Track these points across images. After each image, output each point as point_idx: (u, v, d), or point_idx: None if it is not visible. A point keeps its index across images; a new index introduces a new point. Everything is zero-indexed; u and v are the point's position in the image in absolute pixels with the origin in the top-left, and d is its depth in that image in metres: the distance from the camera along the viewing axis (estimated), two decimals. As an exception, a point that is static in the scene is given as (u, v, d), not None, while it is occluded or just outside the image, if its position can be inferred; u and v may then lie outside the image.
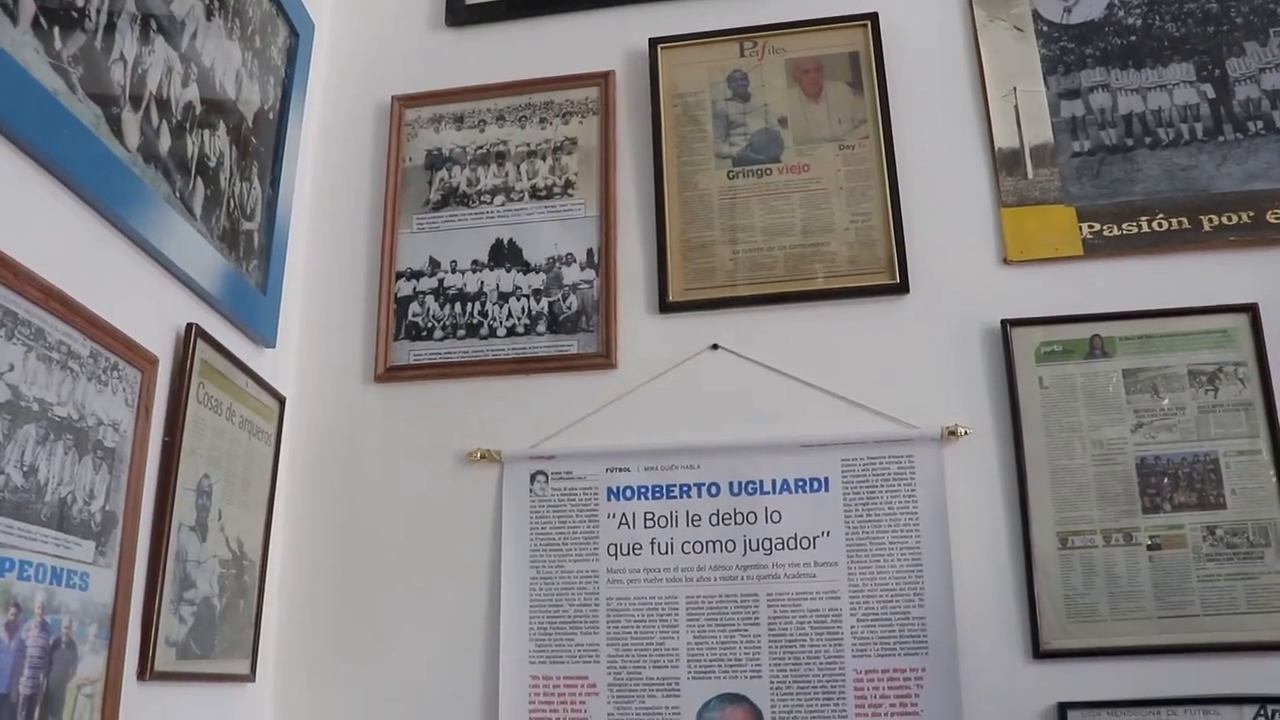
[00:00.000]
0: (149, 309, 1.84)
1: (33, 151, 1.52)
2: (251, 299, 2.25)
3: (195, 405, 1.95)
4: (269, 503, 2.28)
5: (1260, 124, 2.35)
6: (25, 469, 1.45)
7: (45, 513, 1.49)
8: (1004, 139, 2.43)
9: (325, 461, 2.45)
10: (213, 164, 2.08)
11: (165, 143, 1.88)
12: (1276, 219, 2.28)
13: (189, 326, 1.94)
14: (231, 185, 2.17)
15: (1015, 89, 2.46)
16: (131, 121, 1.77)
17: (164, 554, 1.82)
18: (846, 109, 2.49)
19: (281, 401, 2.34)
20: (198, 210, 2.02)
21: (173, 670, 1.86)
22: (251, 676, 2.19)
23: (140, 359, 1.76)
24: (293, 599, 2.38)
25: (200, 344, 1.97)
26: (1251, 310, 2.22)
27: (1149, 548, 2.14)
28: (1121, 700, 2.06)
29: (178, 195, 1.93)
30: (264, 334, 2.30)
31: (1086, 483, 2.18)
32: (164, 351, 1.87)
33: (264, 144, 2.34)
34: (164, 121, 1.88)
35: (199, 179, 2.02)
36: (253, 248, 2.26)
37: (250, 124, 2.26)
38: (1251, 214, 2.29)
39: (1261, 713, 2.02)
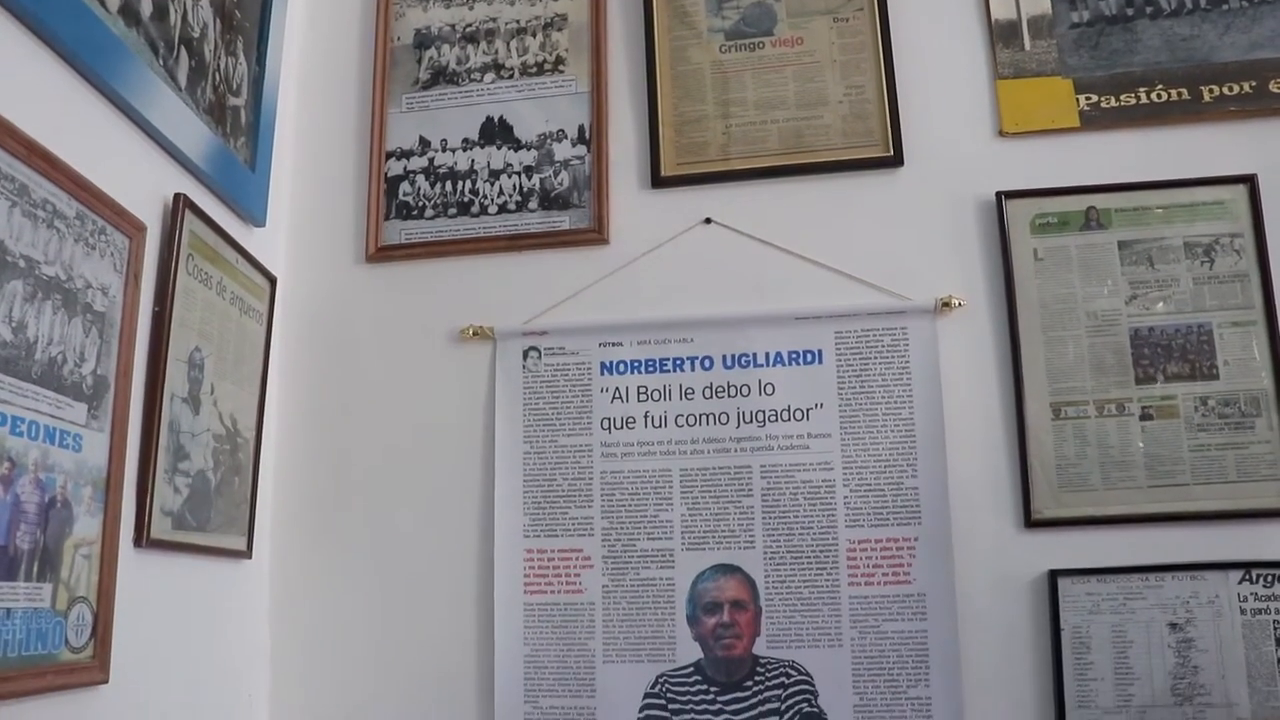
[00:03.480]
0: (135, 176, 1.82)
1: (8, 3, 1.48)
2: (240, 175, 2.22)
3: (185, 277, 1.93)
4: (262, 381, 2.27)
5: (1265, -9, 2.32)
6: (14, 325, 1.43)
7: (36, 371, 1.48)
8: (1001, 10, 2.39)
9: (318, 342, 2.45)
10: (196, 35, 2.04)
11: (147, 8, 1.84)
12: (1279, 89, 2.24)
13: (177, 197, 1.92)
14: (216, 59, 2.13)
15: (1013, -41, 2.42)
16: (111, -19, 1.73)
17: (157, 422, 1.82)
18: (842, -20, 2.45)
19: (273, 281, 2.32)
20: (182, 80, 1.98)
21: (169, 539, 1.87)
22: (248, 553, 2.21)
23: (128, 225, 1.74)
24: (288, 478, 2.39)
25: (189, 215, 1.95)
26: (1250, 181, 2.21)
27: (1141, 418, 2.15)
28: (1111, 567, 2.09)
29: (161, 63, 1.90)
30: (253, 212, 2.27)
31: (1080, 354, 2.18)
32: (152, 221, 1.85)
33: (249, 19, 2.29)
34: (145, -16, 1.84)
35: (183, 49, 1.98)
36: (240, 124, 2.23)
37: (234, -2, 2.22)
38: (1253, 83, 2.26)
39: (1246, 577, 2.05)
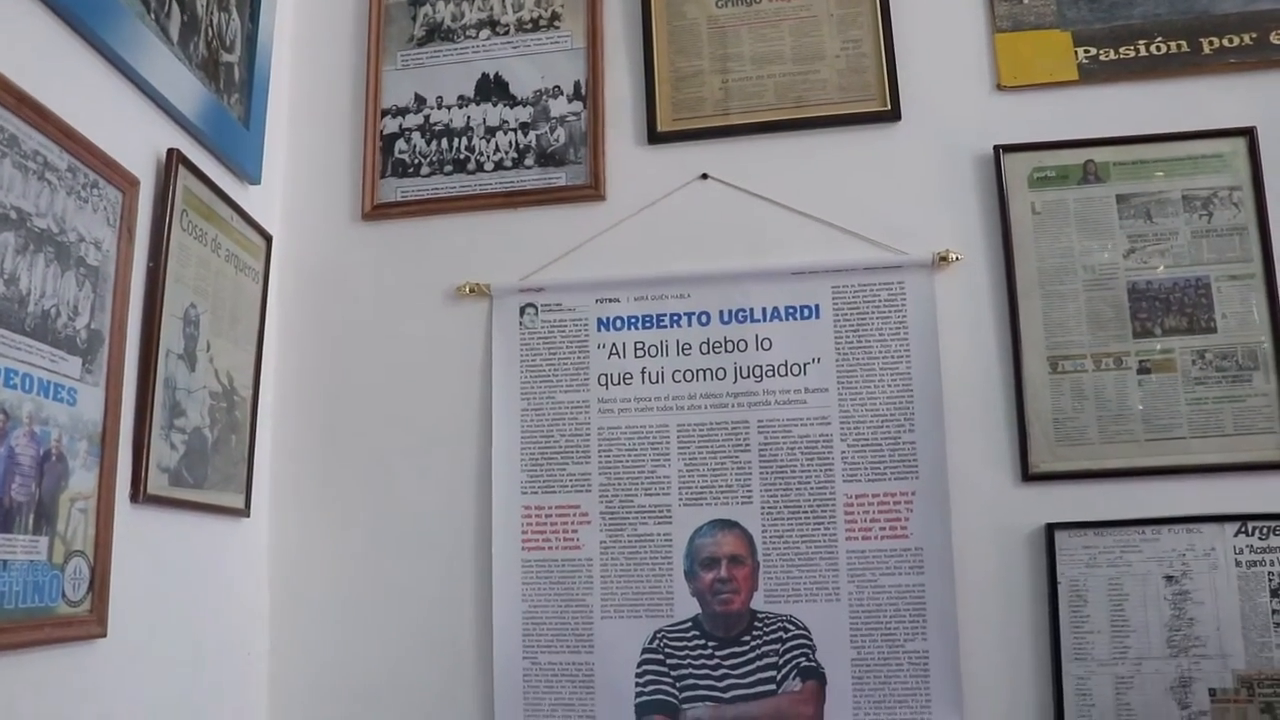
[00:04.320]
0: (127, 130, 1.81)
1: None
2: (234, 132, 2.21)
3: (179, 232, 1.92)
4: (258, 339, 2.27)
5: (1266, -59, 2.29)
6: (6, 277, 1.43)
7: (29, 323, 1.48)
8: (1000, -38, 2.37)
9: (315, 300, 2.44)
10: (188, -11, 2.02)
11: (136, -41, 1.82)
12: (1279, 40, 2.23)
13: (170, 152, 1.91)
14: (209, 14, 2.11)
15: (1013, -89, 2.40)
16: (99, -69, 1.72)
17: (152, 378, 1.82)
18: (839, -67, 2.42)
19: (268, 239, 2.31)
20: (174, 35, 1.97)
21: (165, 495, 1.87)
22: (246, 511, 2.21)
23: (121, 179, 1.73)
24: (286, 437, 2.39)
25: (183, 171, 1.94)
26: (1249, 134, 2.20)
27: (1139, 372, 2.15)
28: (1108, 520, 2.10)
29: (153, 17, 1.88)
30: (248, 169, 2.26)
31: (1078, 307, 2.18)
32: (145, 175, 1.84)
33: (242, -25, 2.28)
34: (134, -64, 1.83)
35: (174, 3, 1.96)
36: (233, 80, 2.21)
37: (226, -50, 2.20)
38: (1254, 35, 2.24)
39: (1242, 530, 2.06)
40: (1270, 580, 2.04)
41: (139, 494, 1.78)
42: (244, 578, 2.25)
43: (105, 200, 1.68)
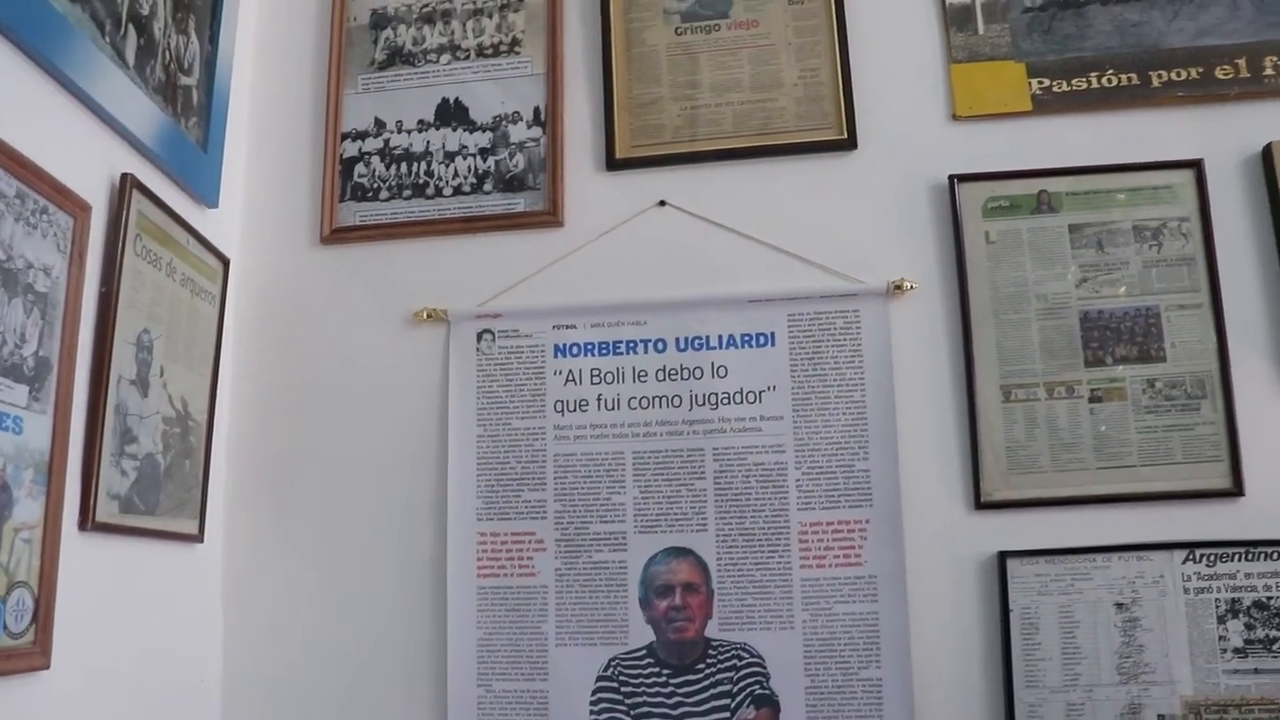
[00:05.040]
0: (80, 155, 1.80)
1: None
2: (192, 155, 2.20)
3: (132, 258, 1.91)
4: (214, 363, 2.25)
5: (1213, -21, 2.34)
6: (-50, 306, 1.42)
7: (-27, 352, 1.46)
8: (956, -6, 2.40)
9: (272, 324, 2.43)
10: (145, 12, 2.01)
11: (92, -17, 1.82)
12: (1225, 75, 2.27)
13: (124, 177, 1.90)
14: (167, 37, 2.11)
15: (968, -57, 2.43)
16: (52, -43, 1.71)
17: (102, 405, 1.80)
18: (797, -37, 2.45)
19: (226, 262, 2.30)
20: (130, 58, 1.96)
21: (115, 523, 1.86)
22: (200, 537, 2.19)
23: (72, 205, 1.72)
24: (241, 461, 2.38)
25: (136, 195, 1.93)
26: (1197, 166, 2.23)
27: (1090, 400, 2.17)
28: (1059, 548, 2.11)
29: (108, 40, 1.87)
30: (205, 193, 2.26)
31: (1031, 336, 2.20)
32: (98, 200, 1.83)
33: (201, -1, 2.27)
34: (89, -39, 1.82)
35: (130, 27, 1.96)
36: (191, 104, 2.21)
37: (184, -25, 2.19)
38: (1200, 70, 2.28)
39: (1190, 557, 2.08)
40: (1217, 607, 2.06)
41: (87, 522, 1.76)
42: (197, 604, 2.23)
43: (55, 226, 1.67)
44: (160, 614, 2.06)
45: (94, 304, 1.82)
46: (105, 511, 1.82)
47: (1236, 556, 2.07)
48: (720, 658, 2.15)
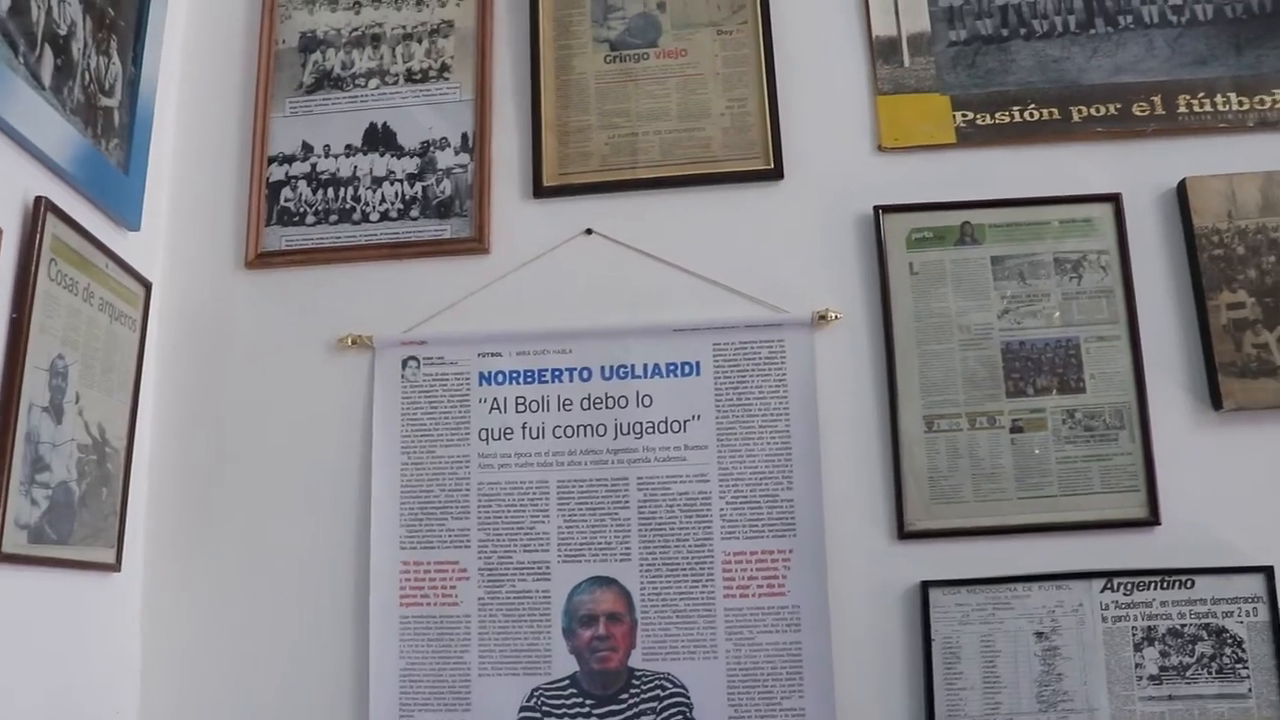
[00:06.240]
0: (-10, 178, 1.77)
1: None
2: (112, 178, 2.17)
3: (46, 282, 1.88)
4: (134, 389, 2.22)
5: (1129, 18, 2.39)
6: None
7: None
8: (882, 27, 2.43)
9: (194, 348, 2.40)
10: (63, 33, 1.98)
11: (4, 3, 1.78)
12: (1141, 111, 2.32)
13: (38, 200, 1.86)
14: (86, 58, 2.07)
15: (894, -23, 2.46)
16: (-40, -23, 1.68)
17: (11, 433, 1.76)
18: (726, -7, 2.46)
19: (147, 286, 2.27)
20: (46, 79, 1.92)
21: (24, 553, 1.81)
22: (117, 566, 2.15)
23: (-20, 230, 1.69)
24: (162, 488, 2.34)
25: (51, 219, 1.89)
26: (1115, 200, 2.27)
27: (1011, 430, 2.20)
28: (981, 578, 2.13)
29: (21, 61, 1.84)
30: (126, 215, 2.22)
31: (953, 367, 2.22)
32: (9, 224, 1.79)
33: (124, 19, 2.24)
34: (2, -19, 1.79)
35: (47, 47, 1.93)
36: (112, 125, 2.18)
37: (107, -5, 2.17)
38: (1118, 106, 2.33)
39: (1108, 586, 2.10)
40: (1134, 635, 2.08)
41: (-7, 553, 1.73)
42: (114, 634, 2.18)
43: (-39, 253, 1.64)
44: (74, 647, 2.02)
45: (3, 330, 1.79)
46: (12, 542, 1.77)
47: (1152, 585, 2.10)
48: (643, 688, 2.15)
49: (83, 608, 2.07)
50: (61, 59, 1.98)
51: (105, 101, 2.15)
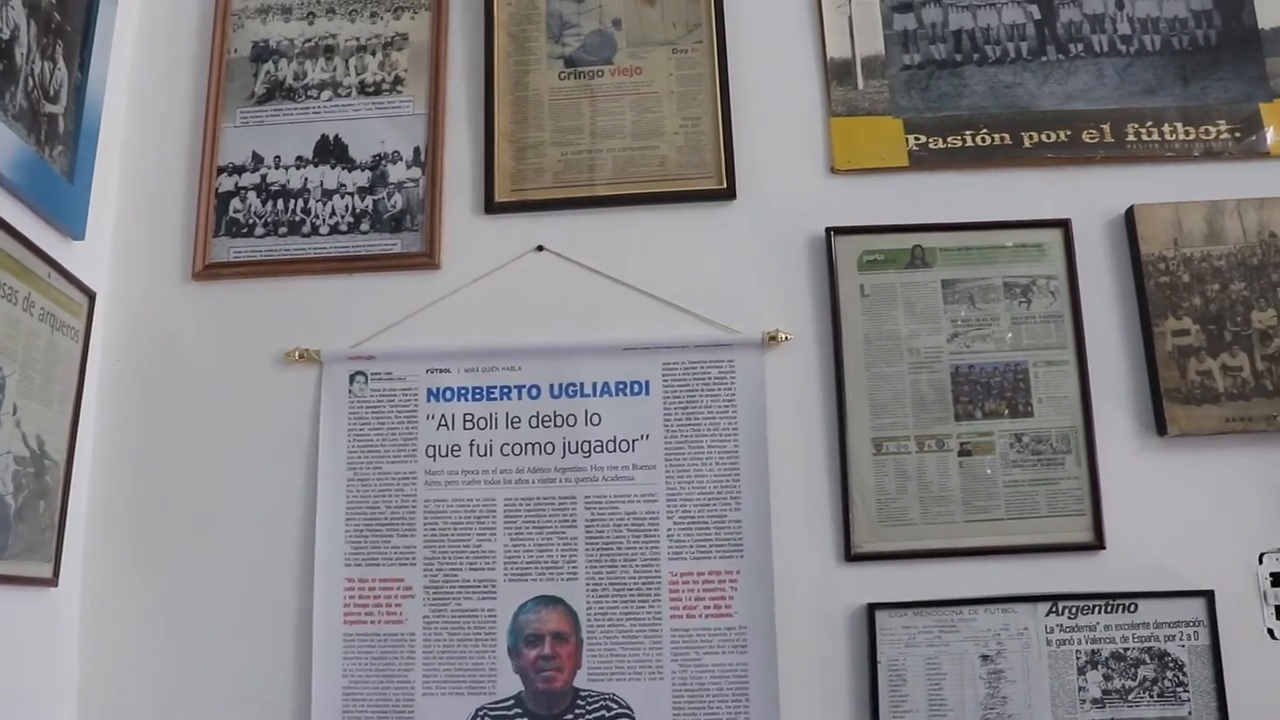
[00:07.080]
0: (-77, 186, 1.74)
1: None
2: (55, 186, 2.14)
3: (-16, 292, 1.85)
4: (76, 401, 2.18)
5: (1080, 46, 2.42)
6: None
7: None
8: (836, 49, 2.44)
9: (139, 360, 2.36)
10: (5, 37, 1.95)
11: (-58, 9, 1.76)
12: (1091, 139, 2.34)
13: (-26, 208, 1.84)
14: (30, 64, 2.04)
15: (850, 0, 2.47)
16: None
17: (-56, 446, 1.74)
18: (681, 12, 2.46)
19: (91, 296, 2.24)
20: (-15, 86, 1.90)
21: (-46, 568, 1.78)
22: (54, 580, 2.11)
23: (-90, 237, 1.65)
24: (102, 502, 2.29)
25: (-12, 227, 1.87)
26: (1064, 226, 2.29)
27: (960, 454, 2.20)
28: (928, 600, 2.14)
29: (-41, 67, 1.82)
30: (70, 224, 2.19)
31: (903, 389, 2.23)
32: (-57, 233, 1.77)
33: (71, 24, 2.21)
34: (-60, -14, 1.76)
35: (-14, 52, 1.90)
36: (57, 132, 2.14)
37: (54, 0, 2.13)
38: (1068, 132, 2.35)
39: (1053, 609, 2.11)
40: (1078, 659, 2.09)
41: (-78, 568, 1.69)
42: (50, 651, 2.14)
43: (-106, 261, 1.61)
44: (8, 664, 1.98)
45: (-64, 340, 1.76)
46: (-56, 557, 1.75)
47: (1096, 609, 2.11)
48: (589, 708, 2.13)
49: (18, 624, 2.03)
50: (3, 64, 1.95)
51: (50, 108, 2.12)
